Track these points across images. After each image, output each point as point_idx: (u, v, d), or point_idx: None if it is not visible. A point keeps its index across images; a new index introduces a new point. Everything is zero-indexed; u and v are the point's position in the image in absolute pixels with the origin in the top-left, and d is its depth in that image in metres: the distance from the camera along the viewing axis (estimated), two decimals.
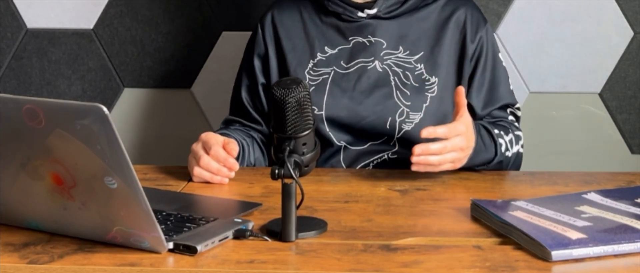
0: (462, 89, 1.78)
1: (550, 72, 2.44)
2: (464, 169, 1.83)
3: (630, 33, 2.41)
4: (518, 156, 1.96)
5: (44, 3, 2.52)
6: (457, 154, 1.76)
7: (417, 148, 1.72)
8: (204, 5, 2.49)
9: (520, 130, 1.99)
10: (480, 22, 2.03)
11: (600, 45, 2.42)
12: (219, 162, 1.77)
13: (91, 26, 2.53)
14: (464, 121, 1.76)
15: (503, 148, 1.89)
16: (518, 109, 2.04)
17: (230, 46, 2.48)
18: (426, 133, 1.71)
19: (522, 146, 1.97)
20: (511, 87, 2.04)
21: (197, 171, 1.77)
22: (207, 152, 1.77)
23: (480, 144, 1.83)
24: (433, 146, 1.72)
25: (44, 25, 2.54)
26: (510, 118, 2.02)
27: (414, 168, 1.74)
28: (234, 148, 1.78)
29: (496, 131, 1.89)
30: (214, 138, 1.79)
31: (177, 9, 2.50)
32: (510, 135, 1.93)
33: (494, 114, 2.01)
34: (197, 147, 1.80)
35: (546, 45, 2.43)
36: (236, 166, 1.78)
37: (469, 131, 1.78)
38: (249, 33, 2.11)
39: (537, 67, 2.44)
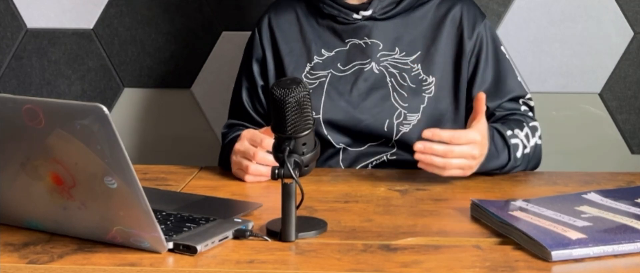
0: (483, 96, 1.75)
1: (550, 72, 2.44)
2: (475, 173, 1.83)
3: (630, 33, 2.41)
4: (536, 148, 1.92)
5: (44, 3, 2.52)
6: (467, 162, 1.72)
7: (419, 144, 1.68)
8: (204, 5, 2.49)
9: (535, 120, 1.96)
10: (478, 17, 2.01)
11: (600, 45, 2.42)
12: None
13: (91, 26, 2.53)
14: (480, 129, 1.73)
15: (519, 151, 1.84)
16: (530, 99, 2.01)
17: (230, 46, 2.48)
18: (429, 133, 1.68)
19: (539, 137, 1.93)
20: (519, 78, 2.02)
21: (253, 169, 1.77)
22: (255, 147, 1.78)
23: (492, 150, 1.79)
24: (437, 147, 1.68)
25: (44, 25, 2.53)
26: (523, 108, 1.99)
27: (419, 165, 1.71)
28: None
29: (509, 133, 1.84)
30: (259, 134, 1.79)
31: (177, 9, 2.50)
32: (526, 129, 1.90)
33: (505, 106, 1.97)
34: (245, 146, 1.79)
35: (546, 45, 2.43)
36: None
37: (483, 140, 1.74)
38: (249, 33, 2.11)
39: (537, 67, 2.44)
